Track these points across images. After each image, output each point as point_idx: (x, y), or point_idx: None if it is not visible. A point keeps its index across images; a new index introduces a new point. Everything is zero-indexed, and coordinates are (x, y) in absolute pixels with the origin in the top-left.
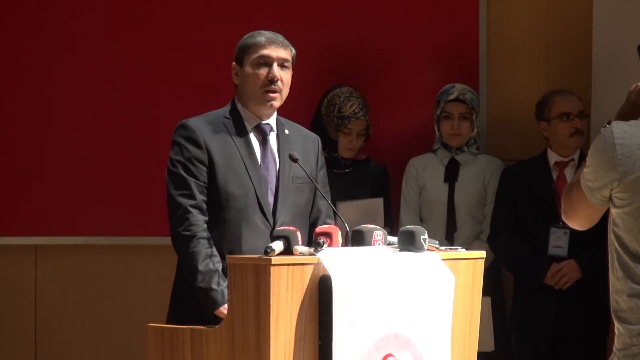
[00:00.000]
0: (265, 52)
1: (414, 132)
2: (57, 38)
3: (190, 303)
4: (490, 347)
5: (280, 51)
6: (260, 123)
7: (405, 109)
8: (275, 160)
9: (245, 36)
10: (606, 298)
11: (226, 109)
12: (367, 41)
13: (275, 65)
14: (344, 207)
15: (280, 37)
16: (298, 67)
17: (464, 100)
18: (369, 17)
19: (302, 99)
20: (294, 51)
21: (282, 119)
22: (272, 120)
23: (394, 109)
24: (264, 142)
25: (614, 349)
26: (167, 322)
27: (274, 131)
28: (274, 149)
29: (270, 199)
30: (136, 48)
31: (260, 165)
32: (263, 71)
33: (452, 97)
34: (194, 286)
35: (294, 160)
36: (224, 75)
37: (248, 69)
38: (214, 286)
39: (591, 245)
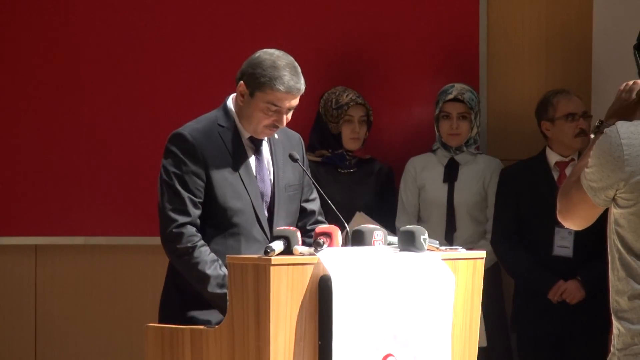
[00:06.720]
0: (280, 103)
1: (415, 133)
2: (58, 39)
3: (181, 310)
4: (482, 342)
5: (294, 101)
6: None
7: (406, 110)
8: (269, 169)
9: (264, 60)
10: (607, 298)
11: (220, 115)
12: (368, 42)
13: (284, 114)
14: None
15: (300, 83)
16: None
17: (463, 100)
18: (369, 18)
19: (303, 101)
20: (304, 88)
21: None
22: None
23: (395, 109)
24: (257, 152)
25: (612, 348)
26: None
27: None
28: (267, 157)
29: (266, 211)
30: (137, 49)
31: (256, 176)
32: (272, 115)
33: (451, 96)
34: (205, 293)
35: (294, 160)
36: (222, 74)
37: (258, 104)
38: (226, 290)
39: (596, 244)
